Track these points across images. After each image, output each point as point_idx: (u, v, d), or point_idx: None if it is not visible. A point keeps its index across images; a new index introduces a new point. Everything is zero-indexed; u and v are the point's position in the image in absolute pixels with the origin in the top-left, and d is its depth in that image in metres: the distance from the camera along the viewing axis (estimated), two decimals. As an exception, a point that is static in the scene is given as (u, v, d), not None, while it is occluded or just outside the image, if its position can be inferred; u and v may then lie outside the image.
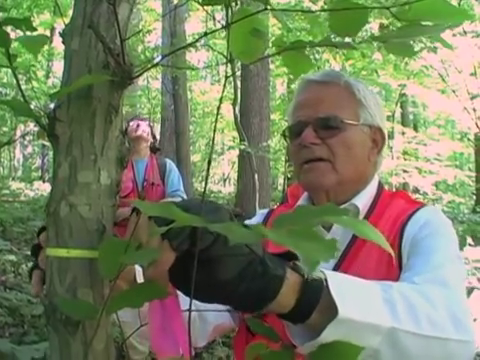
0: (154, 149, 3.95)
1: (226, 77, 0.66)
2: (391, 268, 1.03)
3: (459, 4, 10.81)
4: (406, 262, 1.03)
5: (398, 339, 0.73)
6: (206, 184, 0.69)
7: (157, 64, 0.85)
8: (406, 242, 1.06)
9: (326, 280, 0.71)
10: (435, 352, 0.77)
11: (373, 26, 6.92)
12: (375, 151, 1.21)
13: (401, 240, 1.07)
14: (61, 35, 0.82)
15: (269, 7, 0.59)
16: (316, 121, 1.14)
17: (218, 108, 0.66)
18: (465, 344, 0.79)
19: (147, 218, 0.68)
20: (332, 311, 0.68)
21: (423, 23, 0.62)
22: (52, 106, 0.80)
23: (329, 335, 0.68)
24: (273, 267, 0.66)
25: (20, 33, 0.90)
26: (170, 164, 3.95)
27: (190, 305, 0.60)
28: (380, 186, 1.23)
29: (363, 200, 1.17)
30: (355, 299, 0.71)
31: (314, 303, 0.69)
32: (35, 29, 0.88)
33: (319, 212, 0.48)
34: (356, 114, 1.16)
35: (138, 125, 3.74)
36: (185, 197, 3.81)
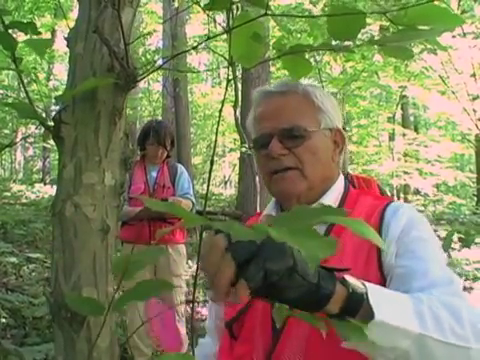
0: (167, 156, 4.04)
1: (228, 80, 0.67)
2: (370, 264, 1.07)
3: (459, 5, 10.82)
4: (398, 262, 1.06)
5: (425, 344, 0.85)
6: (208, 186, 0.71)
7: (161, 67, 0.87)
8: (391, 240, 1.09)
9: (367, 293, 0.83)
10: (457, 358, 0.88)
11: (374, 28, 6.93)
12: (337, 151, 1.26)
13: (380, 236, 1.09)
14: (66, 39, 0.83)
15: (269, 12, 0.60)
16: (280, 132, 1.17)
17: (220, 111, 0.68)
18: None
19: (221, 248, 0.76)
20: (369, 316, 0.81)
21: (419, 27, 0.63)
22: (53, 108, 0.82)
23: (368, 335, 0.80)
24: (325, 287, 0.80)
25: (21, 36, 0.91)
26: (180, 168, 4.06)
27: (193, 296, 0.61)
28: (347, 184, 1.27)
29: (331, 199, 1.21)
30: (389, 307, 0.84)
31: (356, 310, 0.83)
32: (39, 32, 0.90)
33: (317, 212, 0.49)
34: (317, 120, 1.21)
35: (162, 152, 3.85)
36: (194, 200, 3.90)
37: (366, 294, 0.83)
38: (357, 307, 0.83)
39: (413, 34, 0.61)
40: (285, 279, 0.76)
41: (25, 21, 0.89)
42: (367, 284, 0.86)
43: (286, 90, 1.21)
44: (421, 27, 0.64)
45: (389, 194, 1.47)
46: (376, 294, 0.85)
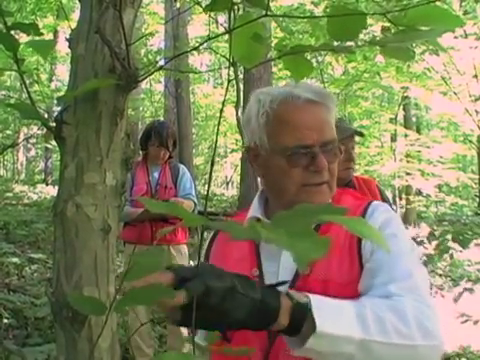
0: (169, 156, 4.06)
1: (228, 80, 0.68)
2: (353, 263, 1.09)
3: (461, 6, 10.81)
4: (371, 257, 1.08)
5: (370, 348, 0.91)
6: (209, 186, 0.71)
7: (162, 68, 0.87)
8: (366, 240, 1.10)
9: (310, 303, 0.89)
10: (405, 356, 0.95)
11: (376, 29, 6.93)
12: None
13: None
14: (68, 40, 0.84)
15: (270, 13, 0.61)
16: (322, 145, 1.13)
17: (221, 111, 0.68)
18: (433, 348, 0.96)
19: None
20: (313, 327, 0.88)
21: (419, 28, 0.63)
22: (54, 109, 0.82)
23: (311, 345, 0.88)
24: (270, 302, 0.87)
25: (23, 37, 0.92)
26: (183, 169, 4.07)
27: (194, 297, 0.61)
28: None
29: None
30: (332, 316, 0.91)
31: (301, 321, 0.89)
32: (42, 34, 0.90)
33: (316, 211, 0.50)
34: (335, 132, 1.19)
35: (164, 153, 3.87)
36: (196, 200, 3.90)
37: (309, 304, 0.89)
38: (303, 317, 0.89)
39: (413, 35, 0.61)
40: (228, 300, 0.82)
41: (27, 22, 0.89)
42: (310, 295, 0.92)
43: (321, 100, 1.15)
44: (422, 28, 0.65)
45: (390, 194, 1.48)
46: (319, 304, 0.91)
